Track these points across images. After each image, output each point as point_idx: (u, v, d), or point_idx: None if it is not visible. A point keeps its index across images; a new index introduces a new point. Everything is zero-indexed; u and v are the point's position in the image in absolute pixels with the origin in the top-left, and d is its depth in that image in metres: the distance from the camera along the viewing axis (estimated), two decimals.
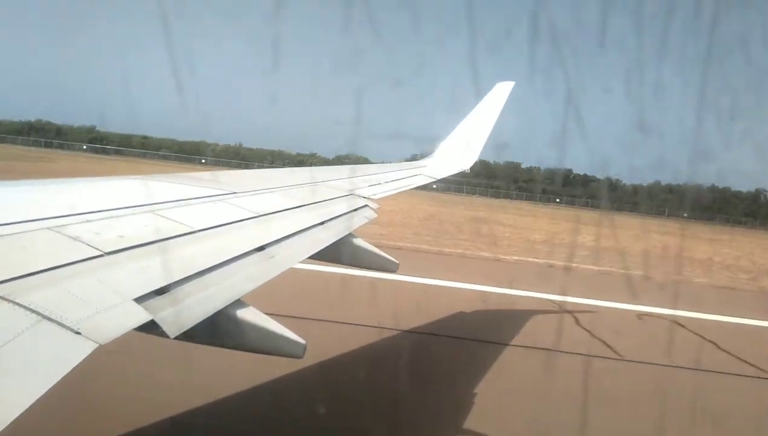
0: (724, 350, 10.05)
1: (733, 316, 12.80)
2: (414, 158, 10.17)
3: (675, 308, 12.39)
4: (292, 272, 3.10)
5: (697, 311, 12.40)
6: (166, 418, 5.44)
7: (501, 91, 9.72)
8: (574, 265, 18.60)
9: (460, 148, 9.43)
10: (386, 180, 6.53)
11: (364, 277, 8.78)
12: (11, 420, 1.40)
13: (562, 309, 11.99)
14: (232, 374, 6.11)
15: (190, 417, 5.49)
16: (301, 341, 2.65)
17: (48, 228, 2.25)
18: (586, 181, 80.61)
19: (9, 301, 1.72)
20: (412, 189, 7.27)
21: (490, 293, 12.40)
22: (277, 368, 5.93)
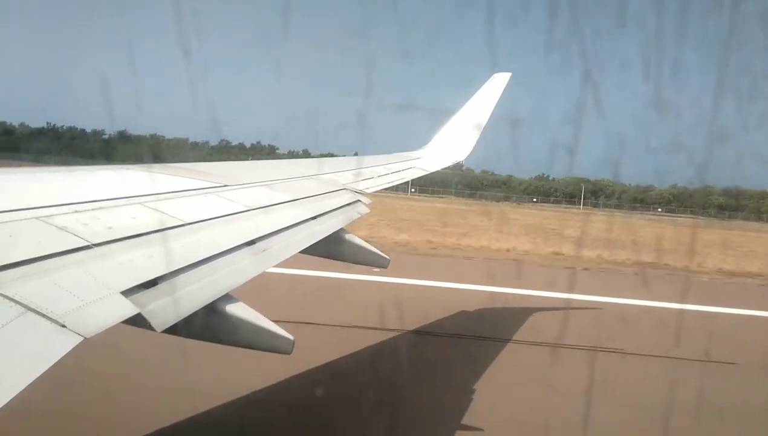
0: None
1: None
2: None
3: None
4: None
5: None
6: None
7: (497, 83, 9.62)
8: None
9: (456, 140, 9.33)
10: (379, 174, 6.52)
11: None
12: None
13: None
14: None
15: None
16: (290, 336, 2.64)
17: (36, 218, 2.23)
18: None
19: None
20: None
21: None
22: None
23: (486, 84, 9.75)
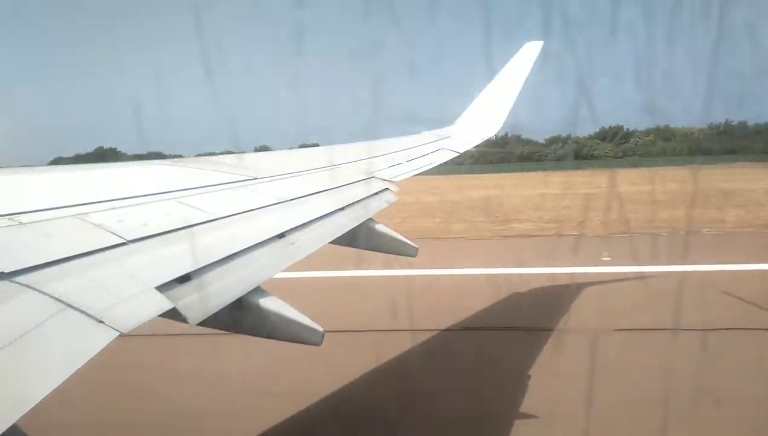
0: None
1: None
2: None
3: None
4: None
5: None
6: None
7: (529, 52, 9.14)
8: None
9: (486, 115, 8.90)
10: (407, 158, 6.36)
11: None
12: (33, 405, 1.44)
13: None
14: None
15: None
16: (320, 328, 2.68)
17: (72, 216, 2.29)
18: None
19: (34, 289, 1.76)
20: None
21: None
22: None
23: (517, 54, 9.25)
